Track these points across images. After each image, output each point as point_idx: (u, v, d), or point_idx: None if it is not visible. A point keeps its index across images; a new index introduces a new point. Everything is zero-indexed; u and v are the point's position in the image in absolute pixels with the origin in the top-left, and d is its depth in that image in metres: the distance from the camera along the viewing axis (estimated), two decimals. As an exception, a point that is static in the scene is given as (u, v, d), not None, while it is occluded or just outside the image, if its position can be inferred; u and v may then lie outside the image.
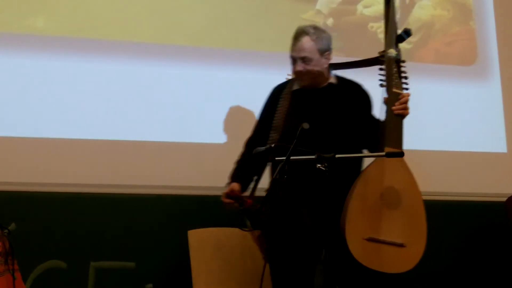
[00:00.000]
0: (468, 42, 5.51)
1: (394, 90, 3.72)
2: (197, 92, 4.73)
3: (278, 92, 3.91)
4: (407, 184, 3.59)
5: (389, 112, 3.67)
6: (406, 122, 5.03)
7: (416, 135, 4.99)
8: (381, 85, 3.82)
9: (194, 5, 4.89)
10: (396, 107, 3.68)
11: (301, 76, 3.72)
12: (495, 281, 5.04)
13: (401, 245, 3.45)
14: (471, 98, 5.34)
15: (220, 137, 4.32)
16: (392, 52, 3.80)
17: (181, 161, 4.60)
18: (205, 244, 3.90)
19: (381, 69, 3.84)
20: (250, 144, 3.83)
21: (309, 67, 3.69)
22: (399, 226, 3.50)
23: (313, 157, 3.09)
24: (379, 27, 5.23)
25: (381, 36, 5.19)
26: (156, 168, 4.56)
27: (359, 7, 5.26)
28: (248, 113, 4.70)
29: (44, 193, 4.34)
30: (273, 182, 3.10)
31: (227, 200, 3.62)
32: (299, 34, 3.72)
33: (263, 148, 3.43)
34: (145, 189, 4.51)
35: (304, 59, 3.68)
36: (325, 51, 3.74)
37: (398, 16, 3.93)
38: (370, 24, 5.26)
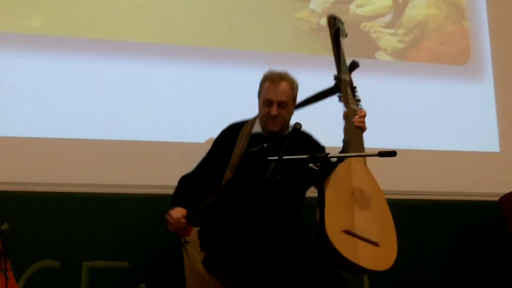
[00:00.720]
0: (461, 42, 5.52)
1: (352, 106, 3.84)
2: (191, 92, 4.74)
3: (233, 131, 3.85)
4: (374, 191, 3.62)
5: (349, 124, 3.80)
6: (400, 121, 5.07)
7: (409, 135, 5.02)
8: (340, 100, 3.98)
9: (189, 4, 4.90)
10: (356, 119, 3.78)
11: (275, 120, 3.71)
12: (489, 280, 5.04)
13: (375, 244, 3.44)
14: (464, 98, 5.36)
15: (213, 137, 4.29)
16: (346, 75, 3.96)
17: (175, 161, 4.59)
18: (197, 243, 3.88)
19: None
20: (187, 180, 3.85)
21: (283, 113, 3.71)
22: (371, 225, 3.50)
23: (306, 156, 3.10)
24: (372, 27, 5.25)
25: (374, 35, 5.22)
26: (149, 168, 4.56)
27: (352, 6, 5.27)
28: (243, 112, 4.70)
29: (37, 192, 4.33)
30: (265, 182, 3.09)
31: (176, 223, 3.56)
32: (278, 78, 3.73)
33: (256, 148, 3.44)
34: (139, 189, 4.51)
35: (281, 104, 3.69)
36: (295, 100, 3.79)
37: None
38: (363, 24, 5.26)
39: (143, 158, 4.56)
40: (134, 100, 4.61)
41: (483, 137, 5.34)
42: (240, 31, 4.98)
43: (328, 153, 3.21)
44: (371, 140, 4.89)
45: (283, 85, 3.70)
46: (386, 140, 4.93)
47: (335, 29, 4.14)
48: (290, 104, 3.73)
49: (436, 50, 5.43)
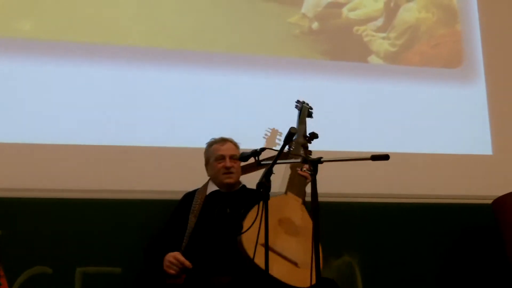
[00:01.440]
0: (453, 45, 5.53)
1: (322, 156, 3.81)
2: (184, 95, 4.74)
3: (188, 198, 4.03)
4: (306, 226, 3.59)
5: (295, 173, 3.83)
6: (393, 124, 5.08)
7: (402, 138, 5.03)
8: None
9: (181, 9, 4.90)
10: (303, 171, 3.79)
11: (230, 173, 3.94)
12: (482, 282, 5.04)
13: (295, 264, 3.43)
14: (456, 100, 5.36)
15: (207, 141, 4.29)
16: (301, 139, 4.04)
17: (168, 166, 4.59)
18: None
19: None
20: (151, 249, 3.90)
21: (235, 165, 3.96)
22: (294, 248, 3.50)
23: (298, 160, 3.10)
24: (364, 31, 5.25)
25: (366, 39, 5.22)
26: (142, 173, 4.55)
27: (345, 10, 5.28)
28: (236, 115, 4.71)
29: (30, 198, 4.31)
30: (258, 186, 3.10)
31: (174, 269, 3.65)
32: (222, 139, 4.05)
33: (248, 152, 3.45)
34: (132, 194, 4.49)
35: (233, 157, 3.95)
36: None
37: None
38: (356, 27, 5.27)
39: (136, 164, 4.55)
40: (125, 105, 4.61)
41: (475, 140, 5.35)
42: (232, 35, 4.98)
43: (321, 157, 3.18)
44: (364, 143, 4.92)
45: (229, 143, 4.04)
46: (379, 143, 4.94)
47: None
48: (238, 161, 3.96)
49: (428, 53, 5.44)
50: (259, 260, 3.37)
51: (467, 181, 5.19)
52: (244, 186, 4.05)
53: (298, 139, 4.00)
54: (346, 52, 5.23)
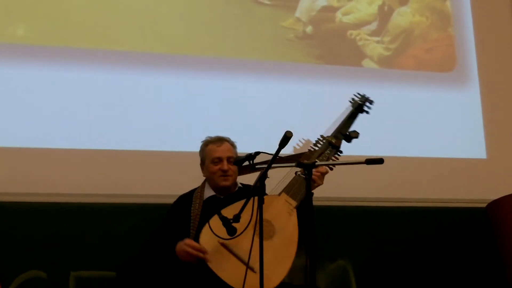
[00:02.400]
0: (447, 49, 5.54)
1: (316, 159, 3.74)
2: (178, 100, 4.74)
3: (184, 200, 3.96)
4: (288, 232, 3.56)
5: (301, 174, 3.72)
6: (387, 128, 5.08)
7: (396, 142, 5.03)
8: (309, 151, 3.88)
9: (174, 13, 4.90)
10: (314, 173, 3.60)
11: (227, 176, 3.86)
12: (476, 286, 5.05)
13: (251, 268, 3.35)
14: (450, 104, 5.37)
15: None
16: (332, 139, 3.90)
17: (162, 170, 4.59)
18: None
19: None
20: (150, 249, 3.92)
21: (233, 168, 3.87)
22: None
23: (293, 164, 3.10)
24: (358, 35, 5.26)
25: (361, 43, 5.23)
26: (136, 177, 4.55)
27: (338, 14, 5.28)
28: (229, 120, 4.71)
29: (23, 203, 4.31)
30: (253, 189, 3.10)
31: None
32: (221, 139, 3.95)
33: (243, 156, 3.45)
34: (126, 198, 4.49)
35: (230, 159, 3.86)
36: None
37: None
38: (349, 32, 5.28)
39: (130, 168, 4.55)
40: (119, 109, 4.61)
41: (469, 144, 5.35)
42: (226, 40, 4.98)
43: (315, 161, 3.19)
44: (358, 147, 4.92)
45: (226, 144, 3.94)
46: (373, 147, 4.94)
47: (359, 105, 4.16)
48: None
49: (422, 57, 5.45)
50: (213, 261, 3.44)
51: (461, 185, 5.20)
52: (240, 187, 3.98)
53: (331, 136, 3.92)
54: (340, 56, 5.24)
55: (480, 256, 5.10)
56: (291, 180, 3.76)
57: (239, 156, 3.60)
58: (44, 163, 4.42)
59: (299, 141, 4.24)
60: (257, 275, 3.24)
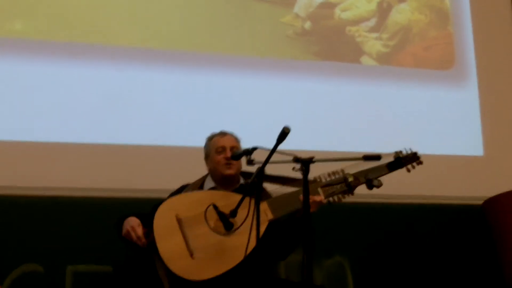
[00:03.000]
0: (445, 46, 5.54)
1: (319, 188, 3.65)
2: (176, 96, 4.74)
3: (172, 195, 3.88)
4: (244, 239, 3.35)
5: (296, 193, 3.59)
6: (384, 125, 5.08)
7: (393, 139, 5.03)
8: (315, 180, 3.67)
9: (172, 9, 4.90)
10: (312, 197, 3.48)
11: (231, 164, 3.77)
12: (473, 283, 5.06)
13: (190, 253, 3.38)
14: (448, 102, 5.38)
15: (200, 141, 4.29)
16: (351, 178, 3.67)
17: (161, 165, 4.59)
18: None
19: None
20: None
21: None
22: (205, 243, 3.43)
23: (290, 159, 3.10)
24: (356, 31, 5.26)
25: (359, 40, 5.23)
26: (134, 171, 4.56)
27: (337, 11, 5.28)
28: (227, 116, 4.71)
29: (20, 196, 4.32)
30: (251, 185, 3.11)
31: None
32: (225, 132, 3.91)
33: (240, 151, 3.46)
34: (124, 193, 4.49)
35: (233, 149, 3.79)
36: None
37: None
38: (348, 28, 5.28)
39: (128, 162, 4.56)
40: (119, 104, 4.61)
41: (466, 141, 5.36)
42: (225, 36, 4.98)
43: (313, 157, 3.19)
44: (356, 144, 4.93)
45: (229, 135, 3.89)
46: (371, 144, 4.95)
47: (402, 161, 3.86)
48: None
49: (420, 55, 5.45)
50: (159, 228, 3.43)
51: (458, 182, 5.20)
52: (242, 184, 3.87)
53: (351, 175, 3.68)
54: (338, 53, 5.24)
55: (477, 254, 5.11)
56: (285, 194, 3.66)
57: (236, 151, 3.61)
58: (41, 157, 4.42)
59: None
60: (192, 261, 3.33)
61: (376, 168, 3.76)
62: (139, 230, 3.52)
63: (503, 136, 5.44)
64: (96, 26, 4.70)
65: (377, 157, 3.24)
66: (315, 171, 3.15)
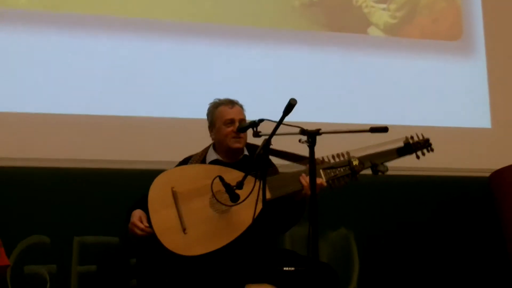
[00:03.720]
0: (453, 18, 5.50)
1: (321, 170, 3.59)
2: (179, 67, 4.73)
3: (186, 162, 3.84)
4: (240, 216, 3.41)
5: (296, 174, 3.56)
6: (391, 96, 5.06)
7: (400, 110, 5.02)
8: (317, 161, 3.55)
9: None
10: (306, 180, 3.46)
11: (239, 137, 3.71)
12: (478, 257, 5.07)
13: (183, 228, 3.38)
14: (456, 74, 5.35)
15: (204, 112, 4.29)
16: (356, 162, 3.62)
17: (165, 136, 4.59)
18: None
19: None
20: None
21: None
22: (199, 219, 3.42)
23: (297, 132, 3.09)
24: (364, 2, 5.22)
25: (366, 10, 5.19)
26: (140, 143, 4.56)
27: (345, -18, 5.24)
28: (233, 87, 4.69)
29: (26, 168, 4.32)
30: (257, 158, 3.10)
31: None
32: (230, 102, 3.79)
33: (247, 123, 3.45)
34: (131, 164, 4.50)
35: (242, 121, 3.72)
36: None
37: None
38: (355, -1, 5.25)
39: (133, 134, 4.56)
40: (122, 75, 4.60)
41: (474, 113, 5.34)
42: (230, 6, 4.95)
43: (319, 129, 3.17)
44: (363, 116, 4.91)
45: (238, 107, 3.78)
46: (378, 115, 4.94)
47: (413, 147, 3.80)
48: None
49: (428, 26, 5.41)
50: (153, 201, 3.43)
51: (465, 154, 5.19)
52: (246, 155, 3.80)
53: (355, 158, 3.65)
54: (345, 24, 5.20)
55: (482, 226, 5.11)
56: (285, 174, 3.61)
57: (242, 123, 3.59)
58: (47, 128, 4.42)
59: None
60: (184, 236, 3.32)
61: (384, 152, 3.71)
62: (140, 224, 3.49)
63: (511, 108, 5.41)
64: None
65: (384, 128, 3.23)
66: (321, 143, 3.13)
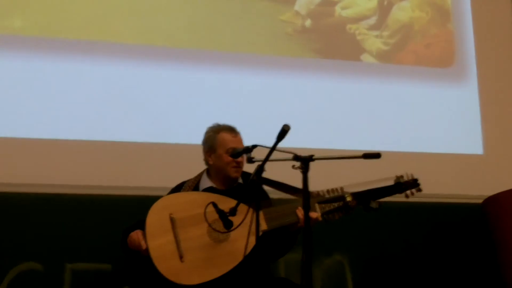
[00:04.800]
0: (446, 44, 5.53)
1: (316, 203, 3.60)
2: (176, 93, 4.74)
3: (180, 188, 3.84)
4: (237, 247, 3.39)
5: (292, 206, 3.55)
6: (384, 123, 5.07)
7: (393, 137, 5.02)
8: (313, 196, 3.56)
9: (173, 6, 4.89)
10: (303, 213, 3.30)
11: (239, 168, 3.72)
12: (472, 281, 5.05)
13: (180, 256, 3.36)
14: (448, 100, 5.37)
15: (199, 138, 4.29)
16: (349, 198, 3.64)
17: (159, 162, 4.58)
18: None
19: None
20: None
21: (243, 161, 3.70)
22: (197, 248, 3.40)
23: (290, 158, 3.09)
24: (357, 29, 5.25)
25: (359, 38, 5.22)
26: (133, 169, 4.55)
27: (338, 8, 5.27)
28: (227, 113, 4.69)
29: (20, 194, 4.31)
30: (250, 183, 3.10)
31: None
32: (233, 129, 3.77)
33: (240, 149, 3.45)
34: (123, 190, 4.49)
35: None
36: None
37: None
38: (348, 26, 5.27)
39: (127, 160, 4.55)
40: (117, 102, 4.60)
41: (467, 140, 5.35)
42: (224, 33, 4.97)
43: (312, 155, 3.18)
44: (356, 142, 4.92)
45: (240, 136, 3.77)
46: (371, 142, 4.94)
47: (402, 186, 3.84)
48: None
49: (421, 53, 5.44)
50: (151, 227, 3.39)
51: (458, 181, 5.20)
52: (240, 183, 3.79)
53: (349, 194, 3.66)
54: (339, 51, 5.23)
55: (476, 252, 5.10)
56: (281, 206, 3.59)
57: (236, 149, 3.57)
58: (41, 154, 4.41)
59: None
60: (181, 264, 3.30)
61: (376, 192, 3.73)
62: (143, 242, 3.45)
63: (503, 134, 5.44)
64: (96, 23, 4.69)
65: (376, 155, 3.24)
66: (314, 169, 3.13)
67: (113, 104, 4.58)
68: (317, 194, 3.64)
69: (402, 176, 3.84)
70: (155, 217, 3.45)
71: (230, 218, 3.16)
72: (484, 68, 5.52)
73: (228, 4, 5.02)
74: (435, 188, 5.08)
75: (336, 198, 3.66)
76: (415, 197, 4.98)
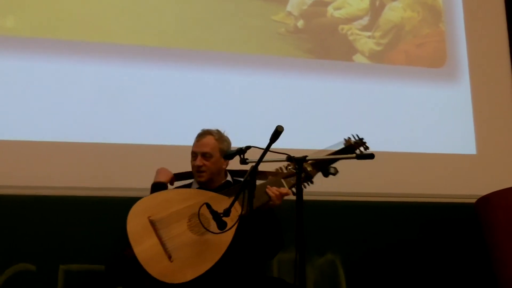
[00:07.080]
0: (437, 44, 5.54)
1: (282, 179, 3.63)
2: (169, 93, 4.74)
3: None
4: (220, 236, 3.33)
5: (262, 187, 3.56)
6: (377, 123, 5.08)
7: (386, 137, 5.03)
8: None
9: (165, 6, 4.89)
10: (273, 190, 3.53)
11: (201, 172, 3.78)
12: (465, 281, 5.07)
13: (169, 256, 3.35)
14: (441, 100, 5.38)
15: (193, 139, 4.29)
16: (310, 168, 3.69)
17: (153, 163, 4.56)
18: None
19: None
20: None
21: (208, 164, 3.76)
22: (182, 244, 3.40)
23: (283, 159, 3.10)
24: (349, 29, 5.26)
25: (351, 38, 5.23)
26: (127, 170, 4.54)
27: (330, 9, 5.28)
28: (220, 113, 4.70)
29: (11, 196, 4.30)
30: (243, 184, 3.11)
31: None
32: (204, 133, 3.84)
33: (233, 150, 3.45)
34: (116, 192, 4.48)
35: (205, 155, 3.77)
36: (223, 152, 3.78)
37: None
38: (341, 26, 5.28)
39: (120, 161, 4.55)
40: (113, 103, 4.61)
41: (459, 139, 5.37)
42: (217, 33, 4.98)
43: (306, 156, 3.19)
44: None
45: (207, 137, 3.82)
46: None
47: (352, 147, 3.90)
48: (217, 156, 3.78)
49: (413, 53, 5.46)
50: (133, 232, 3.38)
51: (450, 180, 5.21)
52: (228, 181, 3.87)
53: (308, 164, 3.67)
54: (331, 51, 5.24)
55: (469, 252, 5.12)
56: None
57: (230, 151, 3.59)
58: (33, 155, 4.40)
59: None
60: (171, 263, 3.29)
61: (331, 156, 3.74)
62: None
63: (496, 134, 5.45)
64: (88, 24, 4.69)
65: (370, 155, 3.25)
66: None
67: (106, 105, 4.58)
68: (279, 171, 3.68)
69: (349, 138, 3.91)
70: (135, 223, 3.43)
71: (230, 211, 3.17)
72: (476, 68, 5.53)
73: (221, 4, 5.03)
74: (428, 187, 5.11)
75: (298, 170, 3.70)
76: (408, 197, 5.04)
